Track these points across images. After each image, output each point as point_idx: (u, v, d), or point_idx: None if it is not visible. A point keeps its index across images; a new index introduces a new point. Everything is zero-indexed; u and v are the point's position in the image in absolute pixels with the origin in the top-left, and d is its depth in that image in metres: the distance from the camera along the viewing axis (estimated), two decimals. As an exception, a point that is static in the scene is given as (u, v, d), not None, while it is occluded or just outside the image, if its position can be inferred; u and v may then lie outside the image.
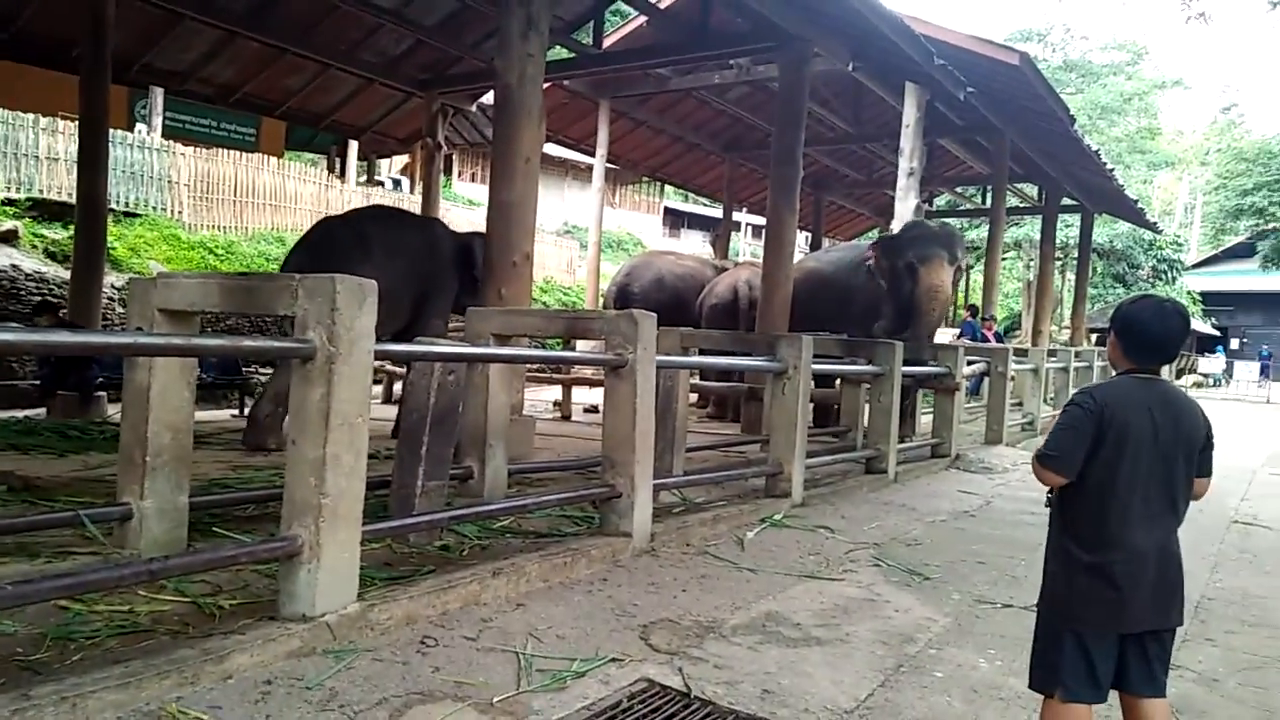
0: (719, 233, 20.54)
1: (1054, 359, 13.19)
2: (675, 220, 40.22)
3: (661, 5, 11.39)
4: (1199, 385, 29.19)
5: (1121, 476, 2.36)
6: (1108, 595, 2.34)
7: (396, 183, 23.79)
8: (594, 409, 10.49)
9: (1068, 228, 25.15)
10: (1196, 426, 2.44)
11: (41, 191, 13.01)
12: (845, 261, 9.90)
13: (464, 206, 24.54)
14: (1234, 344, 36.95)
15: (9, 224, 11.50)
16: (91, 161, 8.99)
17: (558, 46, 11.69)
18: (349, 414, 3.01)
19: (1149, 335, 2.42)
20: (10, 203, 12.26)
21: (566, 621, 3.55)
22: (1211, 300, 35.68)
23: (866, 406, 7.68)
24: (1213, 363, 32.71)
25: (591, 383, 10.38)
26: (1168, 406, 2.40)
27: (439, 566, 3.82)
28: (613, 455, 4.56)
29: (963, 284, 41.32)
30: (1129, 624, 2.36)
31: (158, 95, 13.96)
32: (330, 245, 7.01)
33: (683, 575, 4.32)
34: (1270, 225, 29.05)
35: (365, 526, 3.26)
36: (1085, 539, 2.39)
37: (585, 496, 4.68)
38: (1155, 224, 22.89)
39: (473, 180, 29.67)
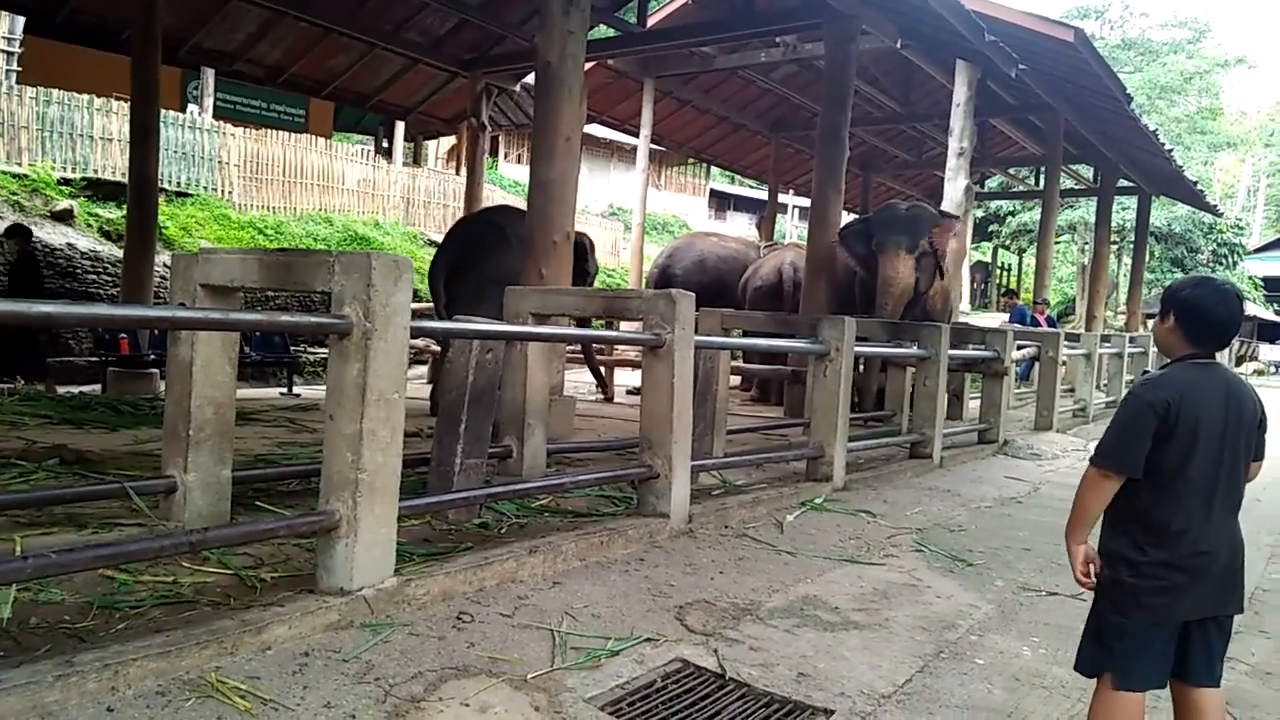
0: (764, 215, 20.38)
1: (1108, 344, 12.90)
2: (721, 202, 40.02)
3: (707, -18, 11.29)
4: (1260, 373, 28.41)
5: (1195, 468, 2.26)
6: (1178, 584, 2.26)
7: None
8: (636, 390, 10.48)
9: (1124, 210, 24.57)
10: (1254, 410, 2.35)
11: (96, 171, 13.29)
12: None
13: (510, 189, 24.60)
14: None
15: (65, 203, 11.77)
16: (143, 141, 9.14)
17: (602, 25, 11.63)
18: (385, 390, 3.01)
19: (1214, 319, 2.31)
20: (66, 182, 12.54)
21: (602, 600, 3.54)
22: (1274, 286, 34.67)
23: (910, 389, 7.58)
24: (1276, 350, 31.84)
25: (634, 364, 10.35)
26: (1231, 393, 2.32)
27: (477, 544, 3.83)
28: (650, 436, 4.53)
29: (1014, 268, 40.71)
30: (1195, 611, 2.29)
31: (209, 76, 14.18)
32: (479, 237, 7.55)
33: (720, 557, 4.30)
34: (1337, 209, 28.16)
35: (402, 502, 3.26)
36: (1157, 530, 2.28)
37: (623, 477, 4.66)
38: (1215, 207, 22.24)
39: (518, 162, 29.74)
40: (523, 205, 6.67)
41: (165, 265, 11.03)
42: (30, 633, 2.68)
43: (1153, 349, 14.63)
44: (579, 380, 11.48)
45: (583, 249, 8.64)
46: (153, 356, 8.60)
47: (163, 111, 11.12)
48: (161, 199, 11.31)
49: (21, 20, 12.46)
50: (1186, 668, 2.33)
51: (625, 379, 11.20)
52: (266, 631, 2.75)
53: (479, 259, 7.18)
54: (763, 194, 25.07)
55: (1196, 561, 2.26)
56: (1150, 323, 27.54)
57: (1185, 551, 2.26)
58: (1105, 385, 13.10)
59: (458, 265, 7.29)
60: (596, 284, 10.22)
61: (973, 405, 9.41)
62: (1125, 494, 2.32)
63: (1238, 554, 2.35)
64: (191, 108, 14.87)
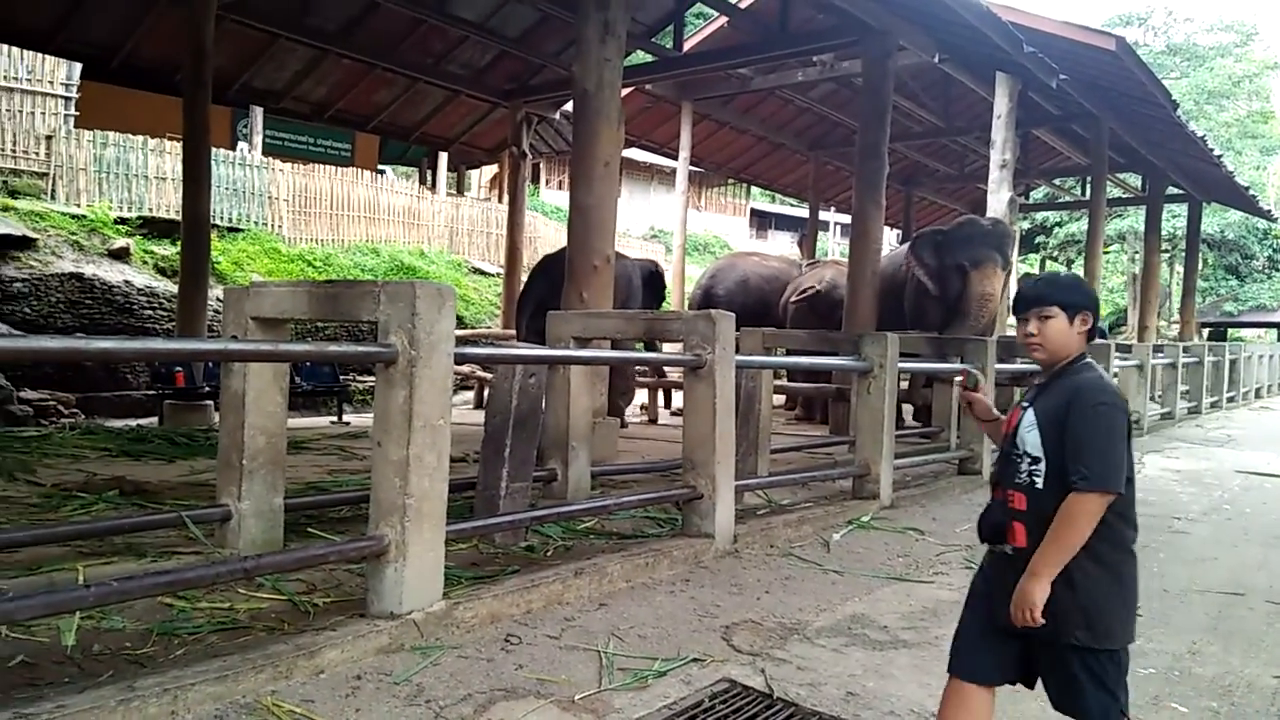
0: (805, 232, 20.33)
1: (1160, 355, 12.65)
2: (762, 221, 39.98)
3: (742, 5, 11.34)
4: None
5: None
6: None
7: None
8: (679, 411, 10.49)
9: (1175, 218, 24.11)
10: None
11: (151, 210, 13.69)
12: (896, 262, 9.78)
13: (552, 215, 24.84)
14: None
15: (121, 241, 12.12)
16: (195, 179, 9.39)
17: (639, 51, 11.75)
18: (431, 416, 3.07)
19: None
20: (122, 221, 12.92)
21: (648, 621, 3.55)
22: (1333, 291, 33.68)
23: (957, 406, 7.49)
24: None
25: (680, 386, 10.38)
26: None
27: (523, 566, 3.87)
28: (693, 456, 4.55)
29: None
30: None
31: (257, 114, 14.56)
32: (561, 273, 7.62)
33: (766, 576, 4.29)
34: (1397, 210, 27.34)
35: (450, 526, 3.32)
36: (1131, 549, 2.15)
37: (667, 498, 4.68)
38: (1269, 212, 21.71)
39: (559, 188, 30.00)
40: (636, 246, 6.77)
41: (218, 299, 11.30)
42: (93, 659, 2.76)
43: (1209, 358, 14.31)
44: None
45: (660, 279, 9.69)
46: (207, 389, 8.79)
47: (214, 149, 11.44)
48: (214, 234, 11.61)
49: (79, 66, 12.91)
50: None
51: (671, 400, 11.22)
52: (319, 655, 2.81)
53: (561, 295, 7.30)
54: (803, 212, 25.03)
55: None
56: (1205, 331, 26.87)
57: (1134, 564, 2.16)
58: (1159, 397, 12.83)
59: (544, 303, 7.39)
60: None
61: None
62: (1122, 521, 2.12)
63: None
64: (241, 145, 15.28)
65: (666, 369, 9.68)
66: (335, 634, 2.92)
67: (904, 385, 9.85)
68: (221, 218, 14.23)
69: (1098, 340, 9.04)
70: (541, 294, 7.61)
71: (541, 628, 3.38)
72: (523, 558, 4.08)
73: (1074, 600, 2.06)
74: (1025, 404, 2.21)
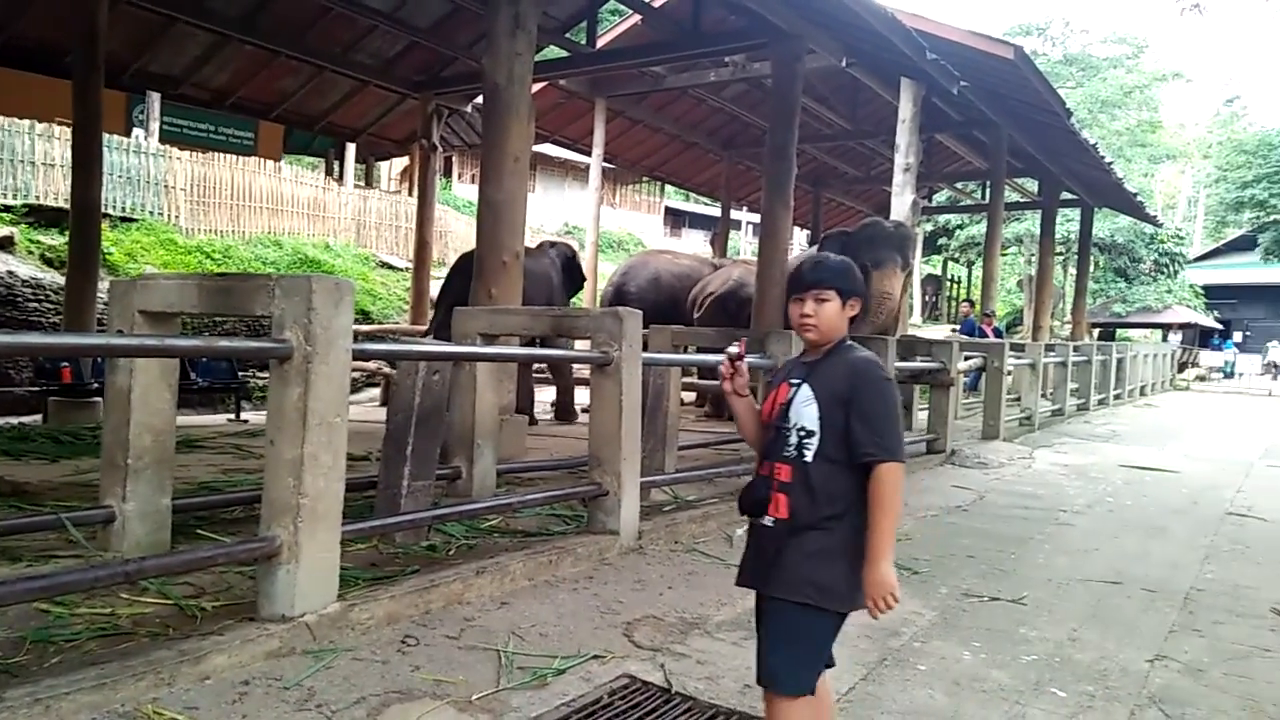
0: (718, 231, 20.53)
1: (1052, 353, 13.16)
2: (676, 219, 40.25)
3: (655, 3, 11.38)
4: (1201, 379, 29.10)
5: None
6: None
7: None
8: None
9: (1068, 222, 25.11)
10: None
11: (38, 198, 13.05)
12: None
13: (463, 209, 24.54)
14: (1237, 337, 36.85)
15: (5, 230, 11.54)
16: (85, 167, 8.99)
17: (552, 46, 11.69)
18: (327, 414, 3.01)
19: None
20: (6, 209, 12.30)
21: (550, 619, 3.55)
22: (1214, 293, 35.62)
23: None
24: (1217, 356, 32.65)
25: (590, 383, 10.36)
26: None
27: (424, 566, 3.82)
28: (600, 453, 4.56)
29: (964, 280, 41.36)
30: None
31: (154, 100, 13.99)
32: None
33: (669, 572, 4.32)
34: (1271, 217, 29.01)
35: (346, 526, 3.26)
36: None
37: (572, 495, 4.67)
38: (1156, 217, 22.85)
39: (471, 182, 29.67)
40: (436, 218, 6.74)
41: (108, 292, 10.85)
42: (-40, 669, 2.63)
43: (1098, 357, 14.96)
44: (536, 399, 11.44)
45: (573, 267, 9.73)
46: (96, 385, 8.43)
47: (107, 136, 10.97)
48: (106, 225, 11.13)
49: (-42, 45, 12.24)
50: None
51: (582, 397, 11.20)
52: (205, 661, 2.72)
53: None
54: (717, 210, 25.28)
55: None
56: (1095, 331, 28.03)
57: None
58: (1050, 394, 13.35)
59: (461, 300, 7.27)
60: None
61: (921, 416, 9.54)
62: (858, 491, 2.18)
63: None
64: (137, 132, 14.65)
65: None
66: (223, 638, 2.84)
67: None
68: (114, 207, 13.65)
69: (992, 340, 9.32)
70: (460, 292, 7.50)
71: (440, 628, 3.34)
72: (424, 557, 4.03)
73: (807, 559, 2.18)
74: (796, 381, 2.26)
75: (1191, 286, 33.08)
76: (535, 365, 9.47)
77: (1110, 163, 15.83)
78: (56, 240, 11.93)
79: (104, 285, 10.09)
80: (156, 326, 3.52)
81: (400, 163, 24.46)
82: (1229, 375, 30.59)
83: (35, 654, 2.77)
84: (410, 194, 20.31)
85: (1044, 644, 3.60)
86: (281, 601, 2.98)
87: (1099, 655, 3.49)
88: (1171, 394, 22.22)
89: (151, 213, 14.66)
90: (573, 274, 9.75)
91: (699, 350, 8.58)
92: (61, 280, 10.49)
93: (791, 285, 2.32)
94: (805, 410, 2.21)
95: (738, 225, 33.70)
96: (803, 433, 2.20)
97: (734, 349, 2.40)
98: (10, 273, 10.84)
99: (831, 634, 2.26)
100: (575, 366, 9.09)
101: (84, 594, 3.12)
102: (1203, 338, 34.48)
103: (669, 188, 34.33)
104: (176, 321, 3.65)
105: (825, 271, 2.27)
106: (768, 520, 2.24)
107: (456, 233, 21.43)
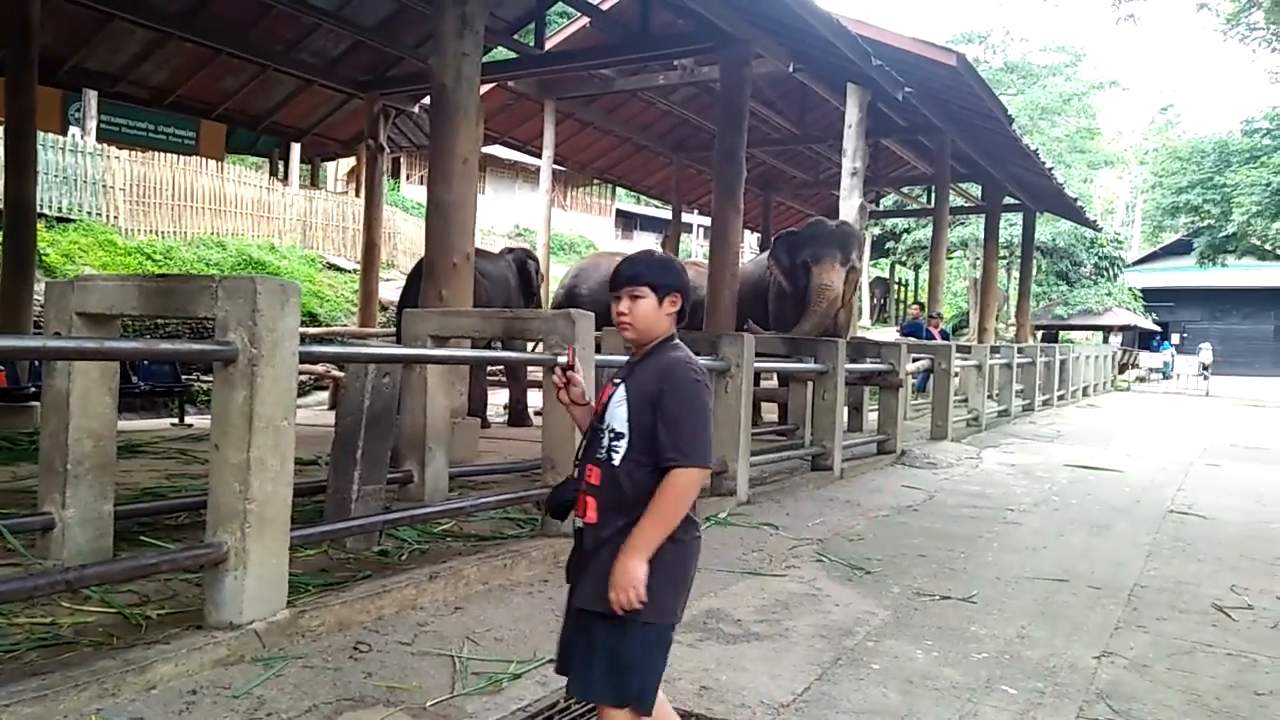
0: (669, 234, 20.58)
1: (998, 355, 13.41)
2: (627, 222, 40.27)
3: (603, 6, 11.39)
4: (1141, 380, 29.87)
5: None
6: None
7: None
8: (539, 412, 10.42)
9: (1011, 226, 25.63)
10: None
11: (-31, 197, 12.63)
12: (762, 266, 10.36)
13: (411, 211, 24.30)
14: (1174, 338, 37.87)
15: (-66, 231, 11.14)
16: (19, 165, 8.73)
17: (500, 47, 11.62)
18: (273, 417, 2.95)
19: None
20: (-64, 209, 11.88)
21: (505, 624, 3.52)
22: (1152, 296, 36.58)
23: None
24: (1156, 357, 33.50)
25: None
26: None
27: (376, 572, 3.77)
28: (553, 455, 4.54)
29: (911, 282, 41.99)
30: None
31: (91, 98, 13.62)
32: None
33: (624, 574, 4.30)
34: (1204, 222, 29.81)
35: (296, 532, 3.20)
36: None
37: (526, 498, 4.65)
38: (1095, 222, 23.42)
39: (420, 183, 29.38)
40: (500, 244, 6.61)
41: (45, 294, 10.54)
42: (-111, 684, 2.52)
43: (1041, 359, 15.27)
44: (491, 402, 11.36)
45: (528, 272, 9.84)
46: (33, 389, 8.18)
47: (42, 135, 10.66)
48: (41, 225, 10.82)
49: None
50: None
51: (537, 400, 11.14)
52: (151, 670, 2.66)
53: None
54: (668, 213, 25.35)
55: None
56: (1039, 333, 28.59)
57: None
58: (996, 395, 13.60)
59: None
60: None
61: (871, 417, 9.65)
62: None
63: None
64: (73, 130, 14.25)
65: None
66: (168, 647, 2.77)
67: (769, 384, 10.16)
68: (50, 207, 13.27)
69: (939, 342, 9.43)
70: (412, 297, 7.48)
71: (393, 634, 3.29)
72: (376, 563, 3.97)
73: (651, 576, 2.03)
74: (617, 381, 2.19)
75: (1130, 289, 33.93)
76: (490, 368, 9.42)
77: (1051, 169, 16.19)
78: (-11, 241, 11.55)
79: (40, 287, 9.82)
80: (96, 329, 3.43)
81: (346, 163, 24.14)
82: (1167, 376, 31.39)
83: (-31, 667, 2.68)
84: (357, 195, 20.06)
85: (994, 641, 3.65)
86: (229, 609, 2.92)
87: (1048, 652, 3.56)
88: (1113, 394, 22.79)
89: (89, 213, 14.28)
90: (529, 279, 9.85)
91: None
92: (-6, 282, 10.17)
93: (610, 283, 2.23)
94: (617, 411, 2.10)
95: (689, 228, 33.82)
96: (613, 434, 2.10)
97: (563, 359, 2.35)
98: (-61, 274, 10.47)
99: (650, 646, 2.10)
100: (530, 370, 9.06)
101: (23, 603, 3.02)
102: (1142, 339, 35.37)
103: (620, 190, 34.35)
104: (116, 324, 3.56)
105: (639, 266, 2.18)
106: (579, 523, 2.16)
107: (405, 234, 21.21)
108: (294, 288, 3.02)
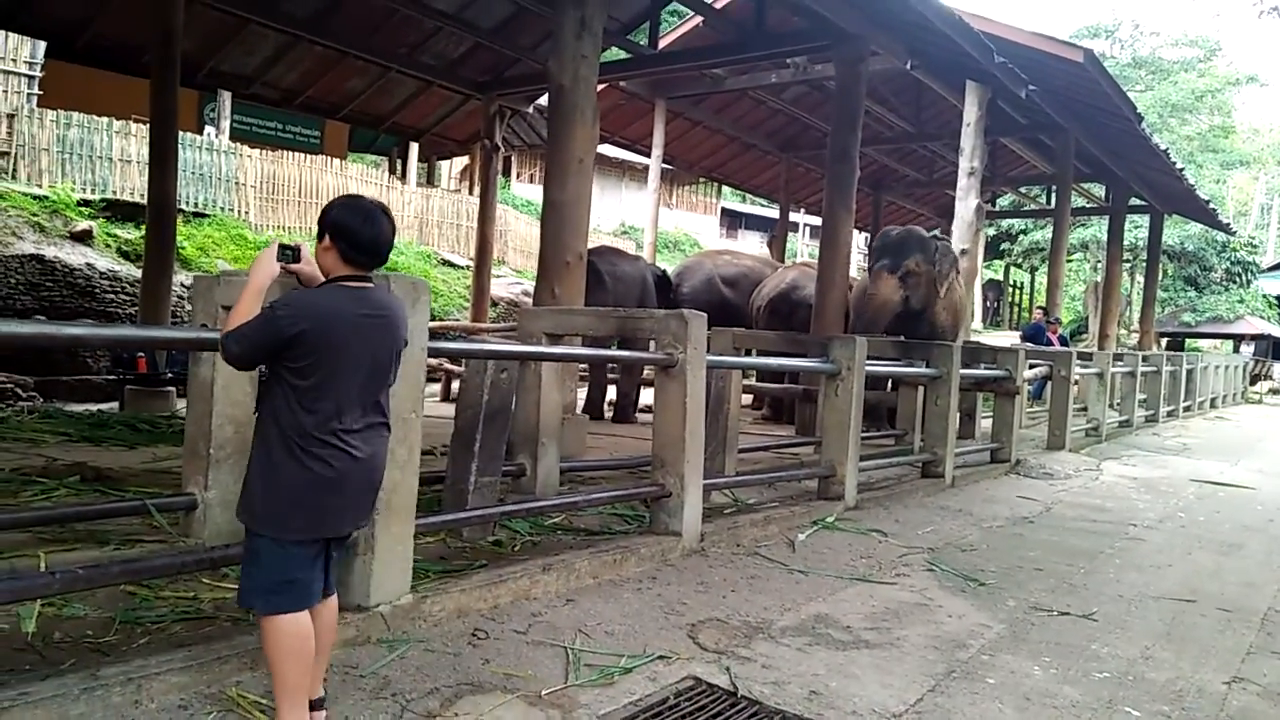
0: (775, 233, 20.44)
1: (1120, 363, 12.88)
2: (732, 221, 40.13)
3: (717, 5, 11.38)
4: (1275, 392, 28.17)
5: (341, 387, 2.36)
6: (333, 501, 2.38)
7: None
8: (648, 409, 10.50)
9: (1136, 229, 24.56)
10: (399, 333, 2.53)
11: (115, 193, 13.46)
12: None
13: (522, 209, 24.75)
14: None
15: (84, 224, 11.91)
16: (162, 163, 9.25)
17: (613, 48, 11.74)
18: (402, 409, 3.06)
19: (363, 239, 2.41)
20: (86, 203, 12.69)
21: (615, 618, 3.57)
22: (1289, 304, 34.47)
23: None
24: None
25: (652, 383, 10.40)
26: (381, 315, 2.45)
27: (491, 561, 3.88)
28: (663, 454, 4.57)
29: (1027, 286, 40.61)
30: (338, 527, 2.44)
31: (225, 99, 14.35)
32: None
33: (732, 575, 4.32)
34: (1352, 227, 28.01)
35: (419, 520, 3.32)
36: (309, 448, 2.33)
37: (635, 495, 4.70)
38: (1228, 225, 22.20)
39: (530, 181, 29.92)
40: (606, 241, 6.70)
41: (182, 285, 11.15)
42: (55, 647, 2.74)
43: (1167, 368, 14.59)
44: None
45: (668, 283, 10.62)
46: (169, 375, 8.67)
47: (180, 134, 11.26)
48: (179, 219, 11.43)
49: (43, 45, 12.64)
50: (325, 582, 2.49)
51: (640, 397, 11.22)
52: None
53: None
54: (773, 212, 25.16)
55: (348, 475, 2.38)
56: (1163, 341, 27.32)
57: (338, 466, 2.36)
58: (1118, 405, 13.06)
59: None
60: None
61: (985, 424, 9.40)
62: (278, 412, 2.34)
63: (379, 470, 2.51)
64: (208, 129, 15.04)
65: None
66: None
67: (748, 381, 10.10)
68: (187, 202, 14.01)
69: (1058, 348, 9.18)
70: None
71: (509, 623, 3.39)
72: (490, 552, 4.08)
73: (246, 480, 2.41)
74: None
75: (1265, 297, 32.03)
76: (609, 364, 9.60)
77: (1181, 169, 15.45)
78: (132, 234, 12.29)
79: (178, 278, 10.41)
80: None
81: (460, 161, 24.74)
82: None
83: (124, 634, 2.87)
84: (470, 192, 20.56)
85: (1116, 661, 3.53)
86: (358, 592, 3.05)
87: (1174, 675, 3.42)
88: (1244, 407, 21.59)
89: (222, 208, 15.04)
90: (664, 291, 10.48)
91: (758, 353, 8.58)
92: (137, 273, 10.81)
93: None
94: None
95: (795, 227, 33.49)
96: None
97: (281, 259, 2.53)
98: (89, 265, 11.20)
99: (278, 557, 2.33)
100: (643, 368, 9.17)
101: (170, 578, 3.22)
102: (1277, 350, 33.35)
103: (725, 188, 34.25)
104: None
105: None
106: None
107: (516, 231, 21.62)
108: (424, 286, 3.14)
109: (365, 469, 2.43)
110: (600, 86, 11.90)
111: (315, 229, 2.52)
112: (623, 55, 11.94)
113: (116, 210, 12.95)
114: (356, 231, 2.40)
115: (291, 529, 2.34)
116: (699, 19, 11.81)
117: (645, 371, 9.90)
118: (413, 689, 2.77)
